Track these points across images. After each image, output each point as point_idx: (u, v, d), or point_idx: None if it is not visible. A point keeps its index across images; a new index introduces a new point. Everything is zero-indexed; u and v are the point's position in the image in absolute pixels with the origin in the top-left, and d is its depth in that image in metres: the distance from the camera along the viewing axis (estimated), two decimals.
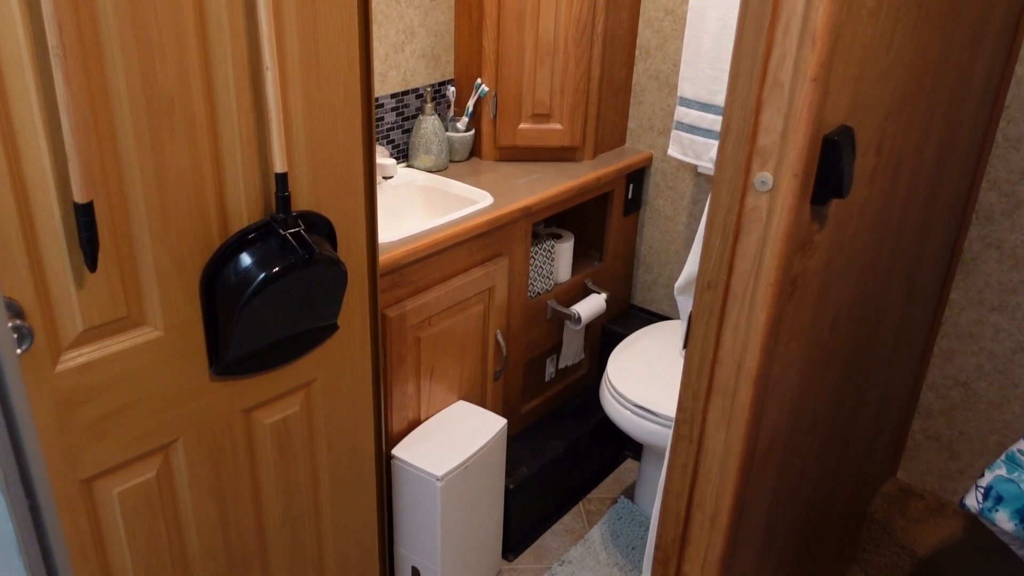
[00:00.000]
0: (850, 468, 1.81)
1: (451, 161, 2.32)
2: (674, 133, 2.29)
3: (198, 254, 1.29)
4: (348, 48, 1.38)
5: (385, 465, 1.88)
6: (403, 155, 2.28)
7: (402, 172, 2.21)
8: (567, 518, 2.44)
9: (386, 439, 1.90)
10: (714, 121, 2.19)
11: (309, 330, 1.46)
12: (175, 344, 1.31)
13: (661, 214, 2.55)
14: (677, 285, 1.51)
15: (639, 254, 2.66)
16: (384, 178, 2.05)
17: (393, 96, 2.18)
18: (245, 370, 1.41)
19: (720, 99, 2.16)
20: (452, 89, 2.28)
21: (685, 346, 1.19)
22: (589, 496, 2.53)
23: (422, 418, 2.00)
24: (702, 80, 2.17)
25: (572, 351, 2.49)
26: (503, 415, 2.28)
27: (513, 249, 2.11)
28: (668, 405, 1.99)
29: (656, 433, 2.01)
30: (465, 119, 2.30)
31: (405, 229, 2.04)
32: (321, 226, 1.44)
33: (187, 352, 1.33)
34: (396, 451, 1.89)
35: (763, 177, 1.02)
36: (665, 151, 2.47)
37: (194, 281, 1.30)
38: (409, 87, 2.21)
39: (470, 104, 2.28)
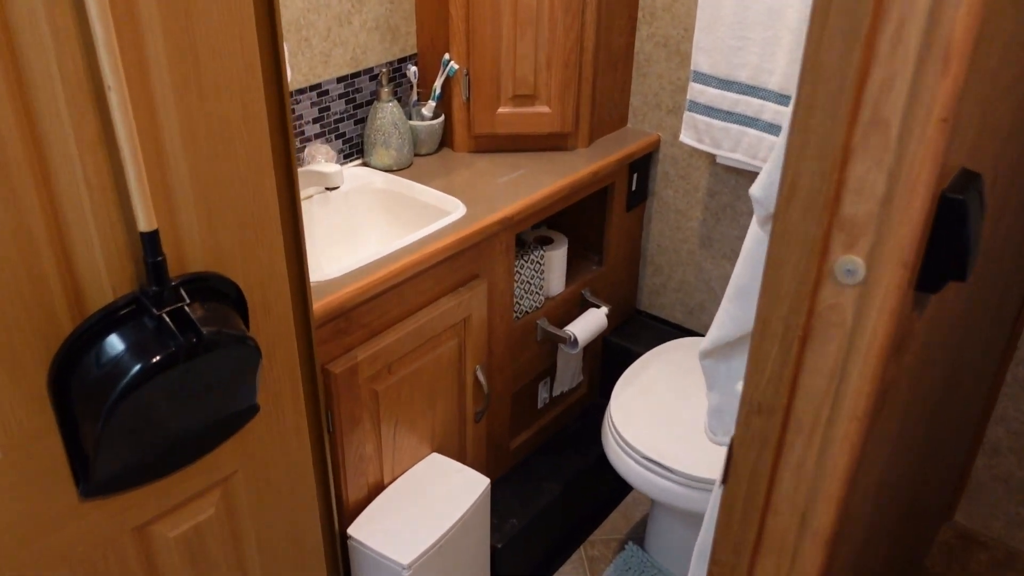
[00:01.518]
0: (908, 518, 1.50)
1: (416, 155, 1.96)
2: (687, 115, 1.92)
3: (41, 346, 0.95)
4: (243, 40, 1.02)
5: (341, 546, 1.56)
6: (357, 151, 1.92)
7: (355, 173, 1.85)
8: (566, 568, 2.14)
9: (340, 514, 1.58)
10: (735, 101, 1.83)
11: (217, 421, 1.13)
12: (21, 467, 0.99)
13: (671, 207, 2.20)
14: (703, 349, 1.18)
15: (645, 253, 2.31)
16: (328, 189, 1.69)
17: (340, 80, 1.81)
18: (127, 484, 1.09)
19: (743, 74, 1.79)
20: (414, 68, 1.91)
21: (724, 481, 0.85)
22: (591, 538, 2.23)
23: (386, 480, 1.68)
24: (721, 51, 1.80)
25: (568, 376, 2.16)
26: (487, 456, 1.97)
27: (493, 268, 1.77)
28: (687, 459, 1.67)
29: (670, 491, 1.70)
30: (431, 104, 1.93)
31: (354, 257, 1.70)
32: (223, 288, 1.10)
33: (40, 475, 1.00)
34: (352, 530, 1.57)
35: (850, 264, 0.68)
36: (675, 132, 2.11)
37: (39, 382, 0.97)
38: (360, 67, 1.84)
39: (437, 85, 1.91)
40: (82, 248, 0.95)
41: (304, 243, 1.21)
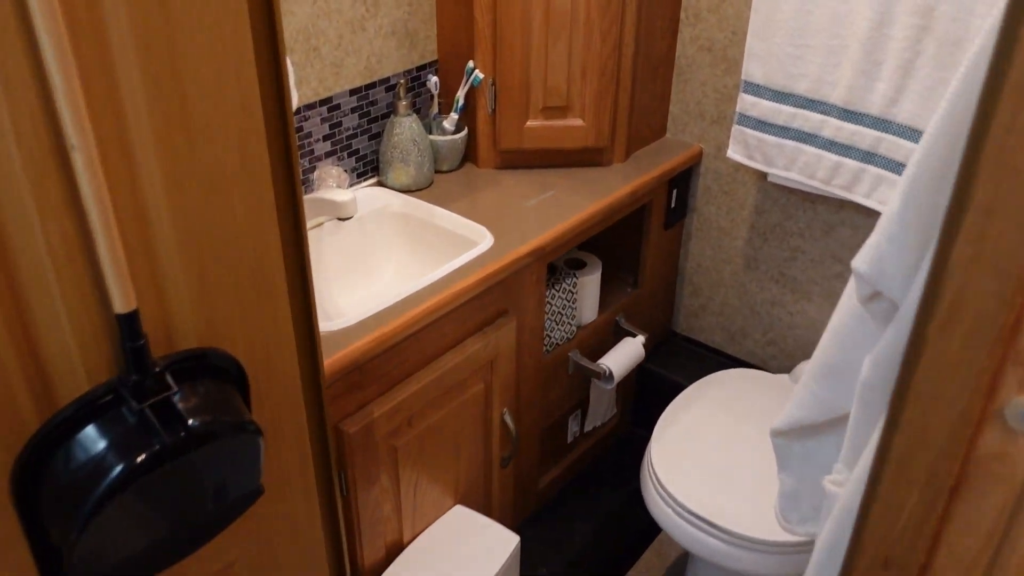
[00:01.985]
0: None
1: (437, 171, 1.80)
2: (736, 129, 1.75)
3: (1, 446, 0.81)
4: (240, 73, 0.87)
5: None
6: (371, 169, 1.76)
7: (370, 195, 1.69)
8: None
9: None
10: (792, 115, 1.66)
11: (214, 511, 0.98)
12: None
13: (713, 224, 2.03)
14: (776, 427, 1.03)
15: (683, 273, 2.15)
16: (340, 219, 1.54)
17: (353, 92, 1.65)
18: None
19: (802, 86, 1.62)
20: (435, 79, 1.74)
21: None
22: None
23: (406, 539, 1.53)
24: (777, 60, 1.63)
25: (601, 410, 2.00)
26: (515, 499, 1.82)
27: (523, 302, 1.61)
28: (738, 515, 1.52)
29: (719, 551, 1.55)
30: (454, 117, 1.77)
31: (368, 291, 1.54)
32: (220, 363, 0.94)
33: None
34: None
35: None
36: (719, 144, 1.94)
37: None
38: (375, 77, 1.68)
39: (460, 96, 1.75)
40: (49, 331, 0.80)
41: (313, 299, 1.05)
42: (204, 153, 0.86)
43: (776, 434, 1.03)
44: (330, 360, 1.24)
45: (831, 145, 1.63)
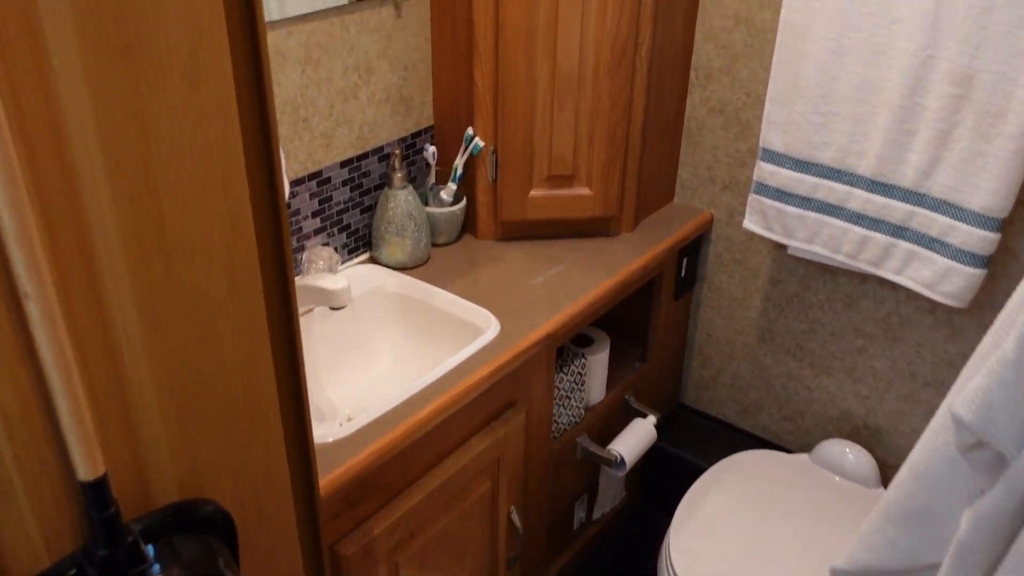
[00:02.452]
0: None
1: (434, 244, 1.68)
2: (753, 198, 1.65)
3: None
4: (228, 188, 0.75)
5: None
6: (364, 244, 1.64)
7: (363, 274, 1.57)
8: None
9: None
10: (815, 186, 1.56)
11: None
12: None
13: (724, 294, 1.93)
14: (840, 568, 0.91)
15: (692, 342, 2.04)
16: (332, 309, 1.41)
17: (344, 164, 1.53)
18: None
19: (827, 155, 1.53)
20: (431, 147, 1.63)
21: None
22: None
23: None
24: (800, 128, 1.54)
25: (611, 496, 1.88)
26: None
27: (531, 391, 1.49)
28: None
29: None
30: (452, 187, 1.66)
31: (365, 392, 1.42)
32: (204, 513, 0.81)
33: None
34: None
35: None
36: (731, 211, 1.84)
37: None
38: (368, 147, 1.56)
39: (458, 164, 1.64)
40: (6, 505, 0.66)
41: (310, 431, 0.92)
42: (186, 278, 0.73)
43: (838, 574, 0.91)
44: (326, 480, 1.11)
45: (858, 218, 1.53)
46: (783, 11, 1.50)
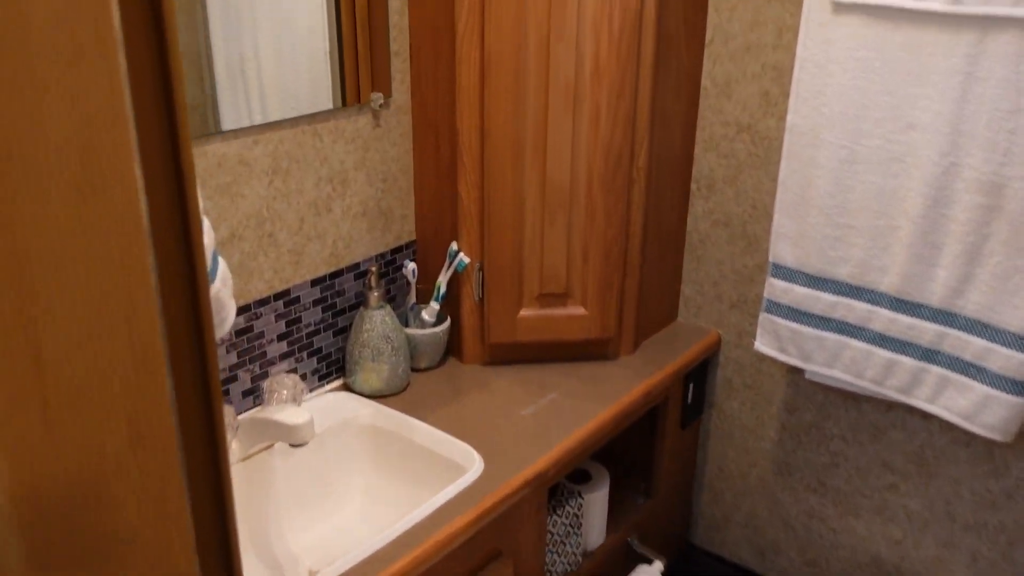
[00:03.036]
0: None
1: (414, 369, 1.54)
2: (765, 317, 1.53)
3: None
4: (132, 319, 0.61)
5: None
6: (337, 369, 1.50)
7: (334, 403, 1.43)
8: None
9: None
10: (832, 304, 1.43)
11: None
12: None
13: (735, 423, 1.77)
14: None
15: (702, 477, 1.87)
16: (292, 446, 1.26)
17: (316, 282, 1.41)
18: None
19: (844, 271, 1.41)
20: (412, 265, 1.51)
21: None
22: None
23: None
24: (812, 241, 1.42)
25: None
26: None
27: (520, 539, 1.32)
28: None
29: None
30: (434, 306, 1.53)
31: (330, 539, 1.26)
32: None
33: None
34: None
35: None
36: (740, 331, 1.71)
37: None
38: (343, 264, 1.45)
39: (442, 282, 1.52)
40: None
41: None
42: (71, 431, 0.59)
43: None
44: None
45: (883, 340, 1.40)
46: (789, 117, 1.41)
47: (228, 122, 1.21)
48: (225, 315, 0.92)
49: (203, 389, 0.69)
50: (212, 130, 1.20)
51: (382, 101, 1.42)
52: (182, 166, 0.64)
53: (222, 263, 0.93)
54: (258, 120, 1.26)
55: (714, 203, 1.68)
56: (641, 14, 1.40)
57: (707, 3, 1.57)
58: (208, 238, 0.88)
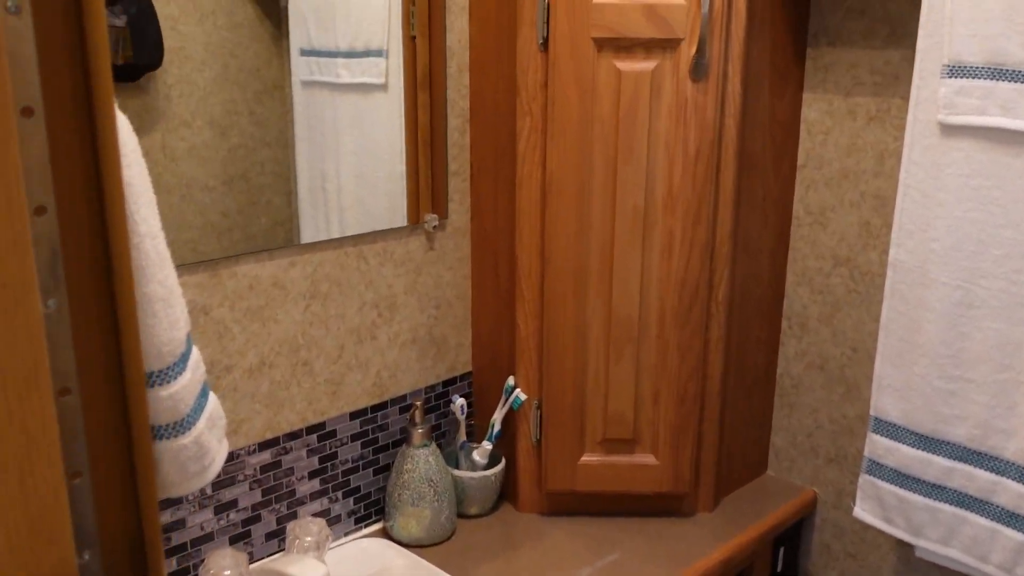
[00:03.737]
0: None
1: (462, 515, 1.39)
2: (866, 479, 1.31)
3: None
4: (25, 480, 0.51)
5: None
6: (377, 511, 1.37)
7: (365, 551, 1.29)
8: None
9: None
10: (947, 470, 1.22)
11: None
12: None
13: None
14: None
15: None
16: None
17: (356, 415, 1.30)
18: None
19: (960, 431, 1.20)
20: (460, 400, 1.39)
21: None
22: None
23: None
24: (922, 395, 1.22)
25: None
26: None
27: None
28: None
29: None
30: (487, 447, 1.39)
31: None
32: None
33: None
34: None
35: None
36: (837, 489, 1.49)
37: None
38: (387, 396, 1.34)
39: (496, 420, 1.38)
40: None
41: None
42: None
43: None
44: None
45: (1011, 518, 1.17)
46: (892, 251, 1.24)
47: (308, 237, 1.21)
48: (208, 463, 0.81)
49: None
50: (295, 242, 1.19)
51: (436, 223, 1.33)
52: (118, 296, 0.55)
53: (212, 400, 0.82)
54: (336, 234, 1.22)
55: (808, 343, 1.49)
56: (720, 135, 1.27)
57: (798, 126, 1.44)
58: (196, 373, 0.79)
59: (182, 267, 1.03)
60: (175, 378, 0.75)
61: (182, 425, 0.76)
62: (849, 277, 1.42)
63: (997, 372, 1.16)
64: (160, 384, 0.74)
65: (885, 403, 1.27)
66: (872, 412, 1.29)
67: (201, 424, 0.79)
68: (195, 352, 0.79)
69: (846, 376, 1.46)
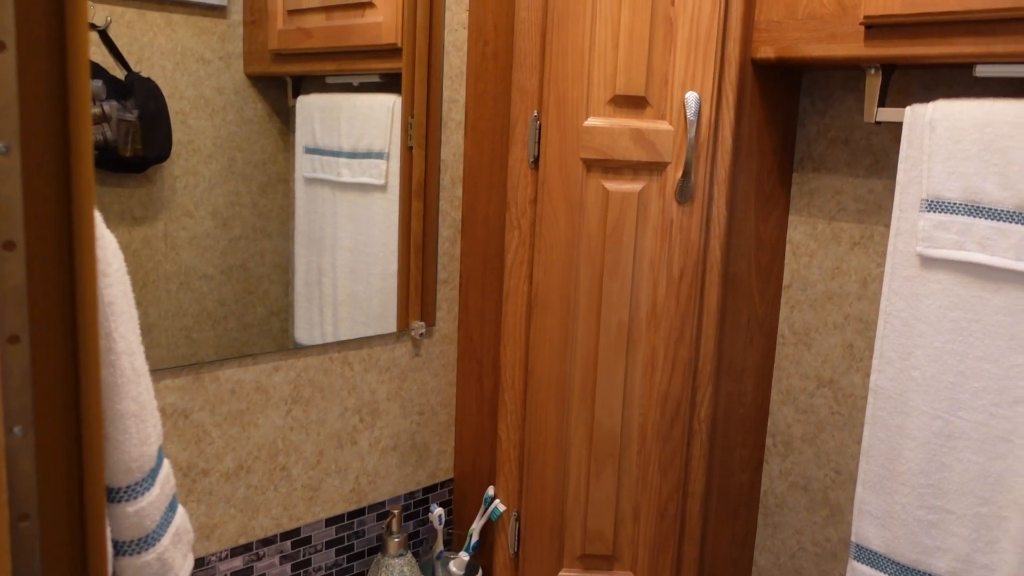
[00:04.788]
0: None
1: None
2: None
3: None
4: None
5: None
6: None
7: None
8: None
9: None
10: None
11: None
12: None
13: None
14: None
15: None
16: None
17: (332, 522, 1.29)
18: None
19: (944, 564, 1.18)
20: (438, 510, 1.37)
21: None
22: None
23: None
24: (903, 524, 1.21)
25: None
26: None
27: None
28: None
29: None
30: (464, 557, 1.37)
31: None
32: None
33: None
34: None
35: None
36: None
37: None
38: (365, 502, 1.33)
39: (475, 530, 1.36)
40: None
41: None
42: None
43: None
44: None
45: None
46: (873, 376, 1.24)
47: (302, 335, 1.22)
48: None
49: None
50: (290, 332, 1.20)
51: (423, 330, 1.35)
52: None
53: (180, 514, 0.82)
54: (330, 338, 1.23)
55: (792, 462, 1.49)
56: (705, 256, 1.30)
57: (783, 247, 1.46)
58: (165, 488, 0.78)
59: (165, 371, 1.04)
60: (142, 494, 0.74)
61: (146, 541, 0.76)
62: (833, 399, 1.42)
63: (977, 505, 1.15)
64: (127, 500, 0.74)
65: (866, 530, 1.26)
66: (853, 539, 1.28)
67: (166, 540, 0.78)
68: (165, 466, 0.79)
69: (829, 499, 1.44)
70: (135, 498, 0.74)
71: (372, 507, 1.34)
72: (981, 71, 1.15)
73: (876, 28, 1.16)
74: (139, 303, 1.03)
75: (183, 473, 1.10)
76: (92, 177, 0.54)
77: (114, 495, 0.73)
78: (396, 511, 1.30)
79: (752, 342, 1.44)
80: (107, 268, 0.69)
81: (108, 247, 0.69)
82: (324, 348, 1.24)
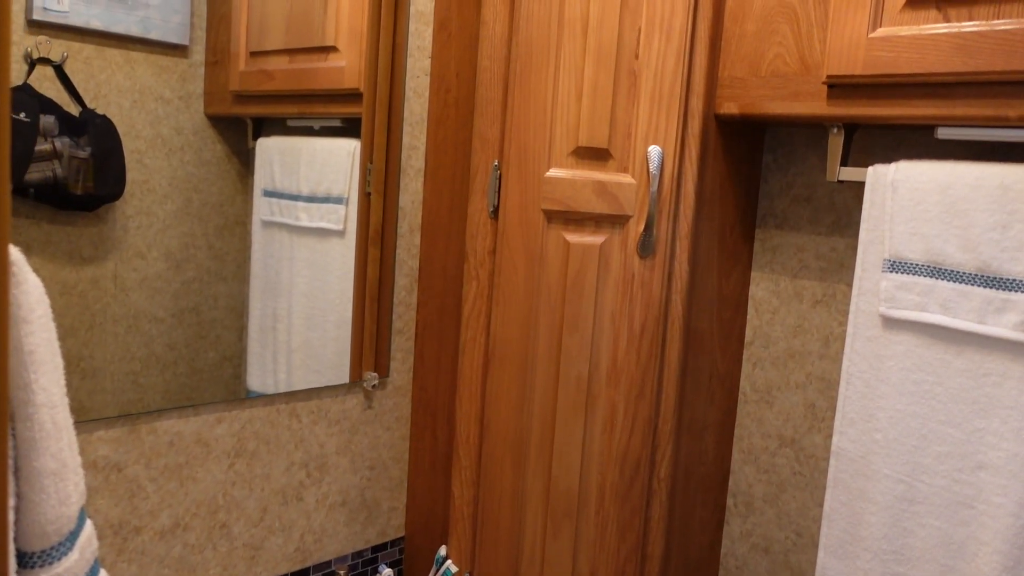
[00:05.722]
0: None
1: None
2: None
3: None
4: None
5: None
6: None
7: None
8: None
9: None
10: None
11: None
12: None
13: None
14: None
15: None
16: None
17: None
18: None
19: None
20: (386, 570, 1.32)
21: None
22: None
23: None
24: None
25: None
26: None
27: None
28: None
29: None
30: None
31: None
32: None
33: None
34: None
35: None
36: None
37: None
38: (310, 562, 1.26)
39: None
40: None
41: None
42: None
43: None
44: None
45: None
46: (835, 438, 1.22)
47: (255, 382, 1.17)
48: None
49: None
50: (243, 392, 1.16)
51: (376, 381, 1.30)
52: None
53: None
54: (283, 386, 1.18)
55: (752, 523, 1.45)
56: (666, 311, 1.28)
57: (746, 303, 1.45)
58: (85, 553, 0.73)
59: (99, 421, 0.99)
60: (58, 559, 0.69)
61: None
62: (794, 459, 1.40)
63: (940, 573, 1.12)
64: (41, 566, 0.68)
65: None
66: None
67: None
68: (87, 528, 0.74)
69: (790, 562, 1.41)
70: (50, 564, 0.68)
71: (317, 567, 1.28)
72: (943, 133, 1.16)
73: (838, 88, 1.16)
74: (85, 346, 0.99)
75: (113, 531, 1.04)
76: (8, 217, 0.50)
77: (27, 560, 0.68)
78: (342, 571, 1.24)
79: (713, 399, 1.41)
80: (29, 315, 0.64)
81: (32, 292, 0.65)
82: (271, 399, 1.19)
